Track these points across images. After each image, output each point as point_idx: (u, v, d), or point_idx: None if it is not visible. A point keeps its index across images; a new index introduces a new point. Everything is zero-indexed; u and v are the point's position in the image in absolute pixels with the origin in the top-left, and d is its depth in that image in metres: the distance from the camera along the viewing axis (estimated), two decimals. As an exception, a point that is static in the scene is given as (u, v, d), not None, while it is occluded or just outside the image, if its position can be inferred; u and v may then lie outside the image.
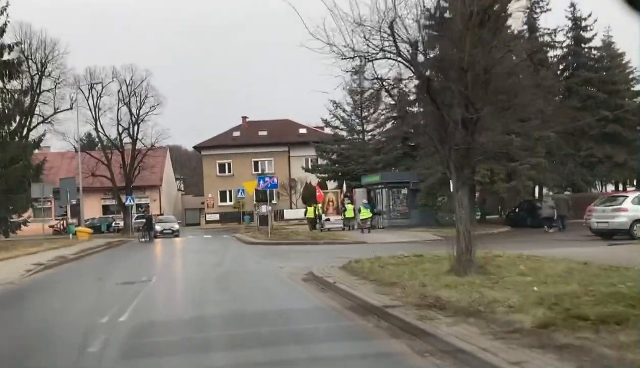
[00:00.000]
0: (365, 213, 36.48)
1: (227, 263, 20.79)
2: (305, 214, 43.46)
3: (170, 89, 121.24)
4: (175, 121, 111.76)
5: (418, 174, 37.35)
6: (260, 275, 16.47)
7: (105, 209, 65.24)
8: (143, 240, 37.98)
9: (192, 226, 67.11)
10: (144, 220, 40.05)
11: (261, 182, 31.14)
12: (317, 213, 43.21)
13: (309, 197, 64.47)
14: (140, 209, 66.61)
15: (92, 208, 65.26)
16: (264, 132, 69.42)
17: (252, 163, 66.88)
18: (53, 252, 25.84)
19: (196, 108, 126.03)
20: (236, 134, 69.88)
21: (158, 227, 41.82)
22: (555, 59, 43.74)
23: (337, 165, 47.97)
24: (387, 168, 44.81)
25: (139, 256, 26.79)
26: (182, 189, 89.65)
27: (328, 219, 42.10)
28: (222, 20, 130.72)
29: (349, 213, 39.82)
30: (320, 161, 50.95)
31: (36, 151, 57.70)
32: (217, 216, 64.94)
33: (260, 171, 64.55)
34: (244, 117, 72.02)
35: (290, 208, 65.45)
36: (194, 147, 67.93)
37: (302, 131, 70.00)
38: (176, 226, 44.34)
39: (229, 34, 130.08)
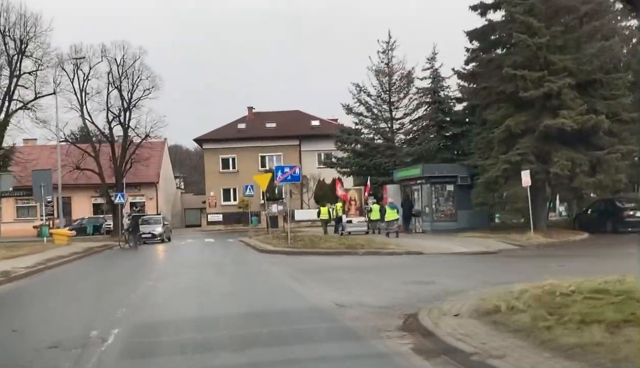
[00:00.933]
0: (391, 214, 30.21)
1: (245, 294, 12.79)
2: (318, 215, 36.56)
3: (169, 78, 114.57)
4: (175, 118, 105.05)
5: (470, 167, 30.46)
6: (316, 332, 8.28)
7: (96, 208, 58.26)
8: (127, 246, 31.16)
9: (193, 228, 60.35)
10: (129, 222, 33.14)
11: (279, 174, 24.18)
12: (336, 213, 36.67)
13: (322, 196, 58.24)
14: (134, 208, 59.93)
15: (81, 207, 58.66)
16: (272, 125, 62.66)
17: (259, 157, 60.15)
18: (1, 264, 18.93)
19: (197, 102, 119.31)
20: (241, 126, 63.06)
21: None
22: None
23: (361, 157, 40.99)
24: (420, 161, 37.94)
25: (111, 275, 19.31)
26: (182, 187, 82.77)
27: (350, 221, 35.47)
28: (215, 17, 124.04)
29: (375, 214, 33.30)
30: (340, 154, 43.86)
31: (21, 143, 51.71)
32: (219, 217, 58.10)
33: (267, 168, 57.95)
34: (250, 108, 65.23)
35: (301, 207, 58.60)
36: (195, 139, 61.22)
37: (315, 123, 63.30)
38: (158, 229, 36.50)
39: (223, 30, 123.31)
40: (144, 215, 42.10)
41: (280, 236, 29.46)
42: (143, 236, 33.98)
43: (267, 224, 42.79)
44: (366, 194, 37.23)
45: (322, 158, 60.83)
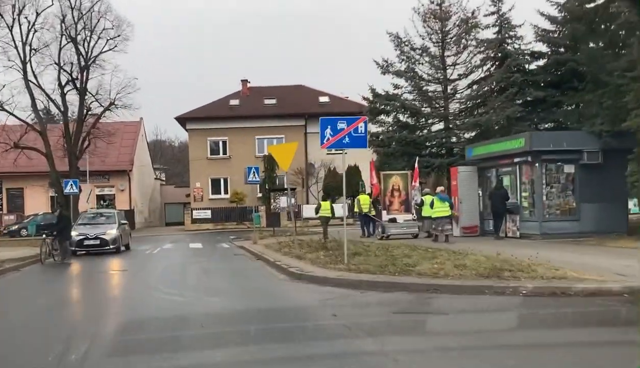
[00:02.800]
0: (442, 209, 20.94)
1: None
2: (316, 212, 25.96)
3: (147, 61, 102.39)
4: (153, 94, 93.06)
5: (606, 136, 19.46)
6: None
7: (54, 201, 46.64)
8: (54, 259, 19.88)
9: (174, 227, 48.88)
10: (54, 223, 21.46)
11: (327, 132, 12.66)
12: (359, 209, 26.37)
13: (334, 188, 47.19)
14: (102, 203, 48.50)
15: (36, 201, 47.18)
16: (272, 101, 51.43)
17: (256, 141, 48.84)
18: None
19: (182, 76, 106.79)
20: (234, 102, 51.66)
21: (74, 235, 22.50)
22: None
23: (405, 131, 29.66)
24: (483, 136, 27.04)
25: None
26: (163, 179, 71.22)
27: (394, 220, 24.87)
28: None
29: (428, 210, 22.70)
30: (373, 129, 32.33)
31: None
32: (207, 213, 46.65)
33: (266, 152, 46.75)
34: (244, 81, 53.79)
35: (307, 202, 47.58)
36: (177, 118, 49.59)
37: (323, 99, 52.25)
38: (111, 232, 23.43)
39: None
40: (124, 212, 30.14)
41: (312, 245, 18.25)
42: (86, 243, 22.54)
43: (289, 219, 31.62)
44: (414, 182, 26.30)
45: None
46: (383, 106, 30.39)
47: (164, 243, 29.35)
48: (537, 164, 20.03)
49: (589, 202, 20.12)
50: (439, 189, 22.69)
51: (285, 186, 41.08)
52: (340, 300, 9.79)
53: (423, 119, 30.06)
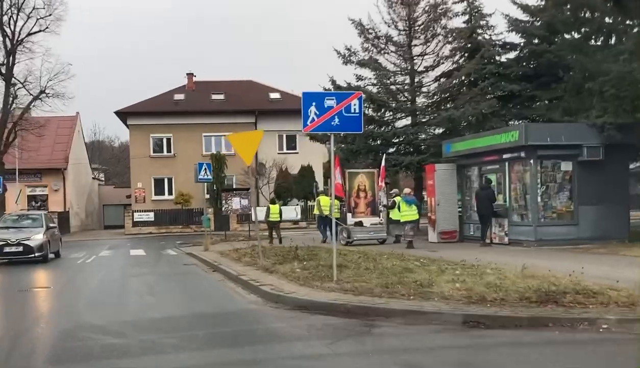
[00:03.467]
0: (410, 212, 19.13)
1: None
2: (266, 216, 23.92)
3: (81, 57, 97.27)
4: (91, 88, 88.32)
5: (609, 129, 17.21)
6: None
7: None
8: None
9: (114, 230, 45.14)
10: None
11: (312, 111, 9.89)
12: (319, 211, 24.14)
13: (287, 189, 44.42)
14: (33, 204, 44.38)
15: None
16: (219, 96, 48.28)
17: (203, 138, 45.73)
18: None
19: (121, 67, 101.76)
20: (179, 96, 48.22)
21: None
22: None
23: (372, 125, 26.99)
24: (454, 133, 24.84)
25: None
26: (102, 179, 66.96)
27: (360, 224, 22.41)
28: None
29: (397, 213, 20.51)
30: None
31: None
32: (150, 216, 43.01)
33: (214, 151, 43.57)
34: (190, 75, 50.37)
35: (258, 204, 44.53)
36: (117, 112, 45.71)
37: (274, 95, 49.45)
38: (39, 238, 19.62)
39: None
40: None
41: (280, 254, 15.28)
42: (7, 250, 19.03)
43: (236, 224, 28.63)
44: (381, 181, 23.76)
45: (285, 140, 47.19)
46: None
47: (101, 249, 25.91)
48: (531, 161, 17.63)
49: (588, 204, 17.89)
50: (406, 191, 20.26)
51: (234, 187, 38.32)
52: (352, 342, 6.95)
53: (390, 113, 27.47)
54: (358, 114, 10.24)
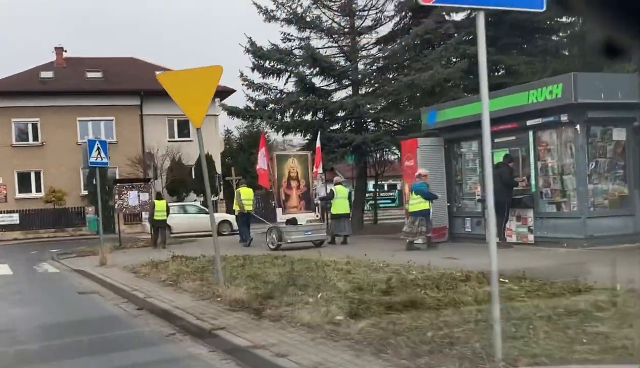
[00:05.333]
0: (418, 201, 14.80)
1: None
2: (150, 217, 21.10)
3: None
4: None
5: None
6: None
7: None
8: None
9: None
10: None
11: None
12: (239, 206, 19.19)
13: (181, 181, 38.17)
14: None
15: None
16: (97, 74, 41.10)
17: (77, 123, 38.62)
18: None
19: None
20: (46, 74, 40.52)
21: None
22: None
23: (311, 94, 21.39)
24: (397, 105, 20.12)
25: None
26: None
27: (293, 221, 17.21)
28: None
29: (338, 207, 15.60)
30: (249, 98, 23.28)
31: None
32: (14, 218, 35.36)
33: (92, 137, 36.38)
34: (59, 49, 42.62)
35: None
36: (-33, 92, 37.46)
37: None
38: None
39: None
40: None
41: (240, 273, 9.60)
42: None
43: (123, 224, 22.16)
44: (316, 168, 18.78)
45: (177, 125, 40.74)
46: (274, 63, 21.87)
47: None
48: (577, 127, 12.82)
49: (647, 188, 13.37)
50: (422, 172, 14.96)
51: (137, 177, 32.05)
52: None
53: (333, 80, 22.06)
54: None
